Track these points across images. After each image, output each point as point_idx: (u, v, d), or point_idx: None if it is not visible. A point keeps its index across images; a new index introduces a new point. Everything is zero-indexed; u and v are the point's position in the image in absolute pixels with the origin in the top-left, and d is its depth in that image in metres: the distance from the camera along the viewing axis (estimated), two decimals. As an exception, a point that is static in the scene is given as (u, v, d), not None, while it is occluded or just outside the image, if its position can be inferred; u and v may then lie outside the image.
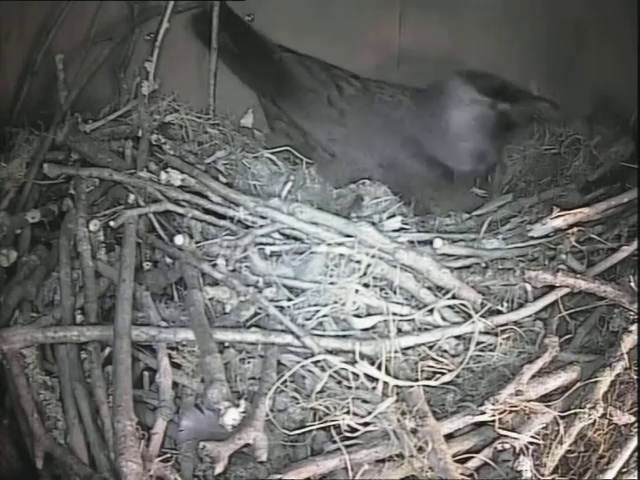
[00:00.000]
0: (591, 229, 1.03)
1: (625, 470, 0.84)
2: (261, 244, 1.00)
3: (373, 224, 1.00)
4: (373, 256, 0.97)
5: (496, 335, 0.95)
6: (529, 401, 0.88)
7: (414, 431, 0.84)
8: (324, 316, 0.94)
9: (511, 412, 0.87)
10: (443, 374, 0.91)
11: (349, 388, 0.88)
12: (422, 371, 0.91)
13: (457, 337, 0.95)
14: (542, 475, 0.83)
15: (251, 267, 0.99)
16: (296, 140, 1.22)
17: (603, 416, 0.86)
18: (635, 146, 1.20)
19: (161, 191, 1.05)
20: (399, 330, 0.94)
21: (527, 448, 0.84)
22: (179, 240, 0.99)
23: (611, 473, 0.84)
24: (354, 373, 0.88)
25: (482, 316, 0.94)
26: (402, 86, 1.24)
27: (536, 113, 1.20)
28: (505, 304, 0.98)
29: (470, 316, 0.94)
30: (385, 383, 0.88)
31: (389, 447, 0.84)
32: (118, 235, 1.04)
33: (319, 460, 0.83)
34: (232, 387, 0.89)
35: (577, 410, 0.86)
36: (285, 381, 0.89)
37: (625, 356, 0.90)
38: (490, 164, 1.23)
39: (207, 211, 1.05)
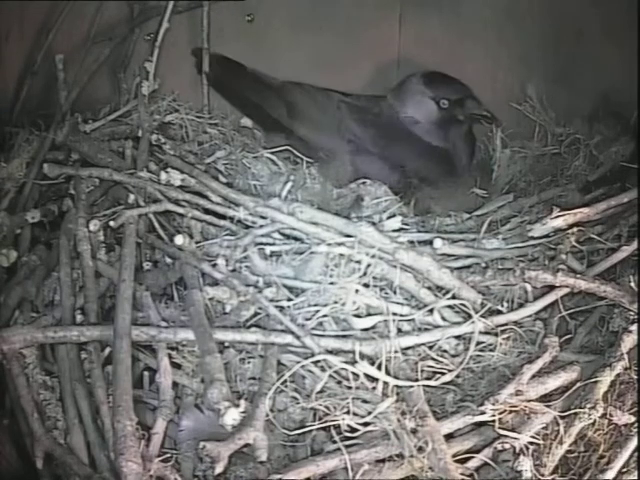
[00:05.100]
0: (591, 229, 1.03)
1: (625, 470, 0.84)
2: (261, 244, 1.00)
3: (373, 224, 1.00)
4: (373, 256, 0.97)
5: (496, 335, 0.95)
6: (529, 401, 0.88)
7: (414, 431, 0.84)
8: (324, 316, 0.94)
9: (511, 412, 0.87)
10: (443, 374, 0.91)
11: (349, 388, 0.88)
12: (422, 371, 0.91)
13: (457, 337, 0.95)
14: (542, 475, 0.83)
15: (251, 267, 0.98)
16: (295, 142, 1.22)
17: (603, 416, 0.86)
18: (635, 146, 1.20)
19: (161, 191, 1.05)
20: (399, 330, 0.94)
21: (527, 448, 0.85)
22: (179, 240, 0.99)
23: (611, 473, 0.84)
24: (354, 373, 0.88)
25: (482, 316, 0.94)
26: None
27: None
28: (505, 304, 0.98)
29: (470, 316, 0.94)
30: (385, 383, 0.88)
31: (389, 447, 0.84)
32: (118, 235, 1.04)
33: (319, 460, 0.83)
34: (232, 387, 0.89)
35: (577, 410, 0.86)
36: (285, 381, 0.89)
37: (625, 356, 0.90)
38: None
39: (207, 211, 1.05)
